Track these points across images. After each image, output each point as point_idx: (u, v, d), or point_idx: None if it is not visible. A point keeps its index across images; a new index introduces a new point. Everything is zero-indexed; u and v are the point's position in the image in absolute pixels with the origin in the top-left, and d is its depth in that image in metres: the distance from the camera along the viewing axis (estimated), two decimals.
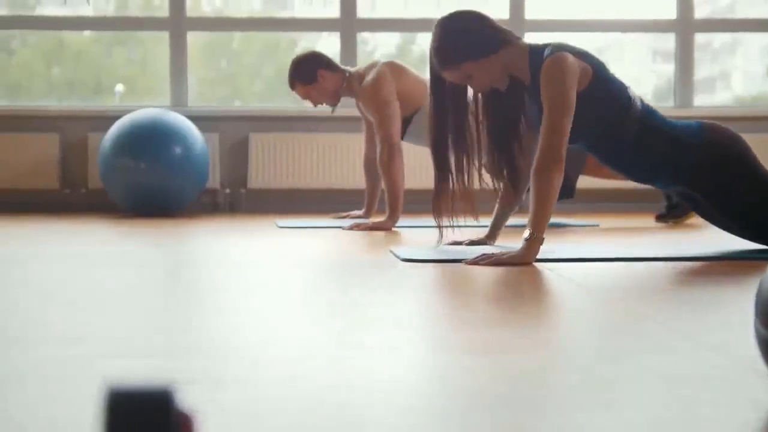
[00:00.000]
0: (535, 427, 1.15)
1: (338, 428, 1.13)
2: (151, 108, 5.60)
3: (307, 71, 4.68)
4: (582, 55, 2.97)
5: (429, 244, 3.33)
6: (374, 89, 4.52)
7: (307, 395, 1.28)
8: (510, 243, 3.17)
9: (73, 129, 6.05)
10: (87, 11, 6.57)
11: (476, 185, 3.17)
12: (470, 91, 3.13)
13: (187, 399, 1.22)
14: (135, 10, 7.03)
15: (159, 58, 6.43)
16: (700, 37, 6.61)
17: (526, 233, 2.84)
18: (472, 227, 3.28)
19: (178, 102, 6.15)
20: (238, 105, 6.90)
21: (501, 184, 3.22)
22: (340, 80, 4.70)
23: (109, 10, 6.93)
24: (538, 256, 2.83)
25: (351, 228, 4.31)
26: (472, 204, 3.16)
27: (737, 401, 1.26)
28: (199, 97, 6.49)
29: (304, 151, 6.08)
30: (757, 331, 1.28)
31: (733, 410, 1.22)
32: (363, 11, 6.29)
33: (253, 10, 7.29)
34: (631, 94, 3.01)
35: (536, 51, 2.99)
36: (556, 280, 2.53)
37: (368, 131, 4.89)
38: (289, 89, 4.79)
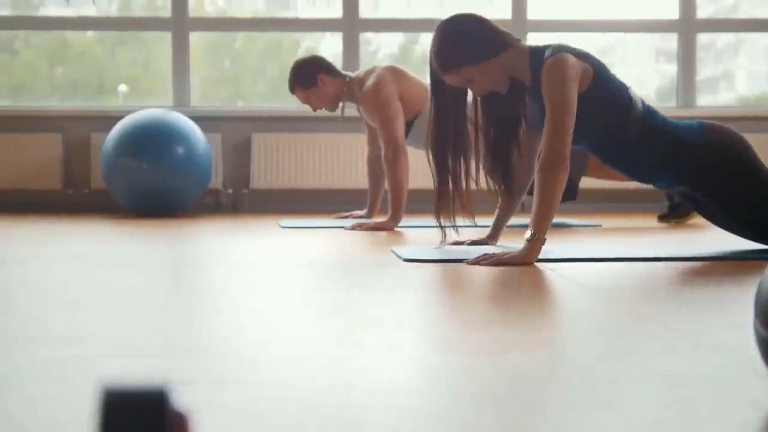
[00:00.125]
0: (535, 427, 1.15)
1: (338, 428, 1.13)
2: (154, 108, 5.61)
3: (308, 75, 4.68)
4: (583, 56, 2.97)
5: (431, 244, 3.34)
6: (375, 93, 4.50)
7: (307, 395, 1.28)
8: (512, 243, 3.17)
9: (76, 129, 6.06)
10: (90, 12, 6.58)
11: (474, 187, 3.17)
12: (470, 95, 3.13)
13: (186, 399, 1.22)
14: (138, 10, 7.03)
15: (162, 58, 6.43)
16: (703, 37, 6.61)
17: (528, 233, 2.84)
18: (473, 227, 3.29)
19: (181, 102, 6.15)
20: (240, 105, 6.90)
21: (500, 186, 3.22)
22: (341, 85, 4.69)
23: (112, 10, 6.93)
24: (539, 256, 2.84)
25: (353, 228, 4.31)
26: (470, 206, 3.16)
27: (737, 401, 1.26)
28: (201, 98, 6.50)
29: (306, 152, 6.08)
30: (756, 331, 1.28)
31: (733, 410, 1.22)
32: (366, 11, 6.29)
33: (255, 11, 7.29)
34: (631, 95, 3.01)
35: (537, 52, 2.99)
36: (557, 280, 2.53)
37: (370, 133, 4.89)
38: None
